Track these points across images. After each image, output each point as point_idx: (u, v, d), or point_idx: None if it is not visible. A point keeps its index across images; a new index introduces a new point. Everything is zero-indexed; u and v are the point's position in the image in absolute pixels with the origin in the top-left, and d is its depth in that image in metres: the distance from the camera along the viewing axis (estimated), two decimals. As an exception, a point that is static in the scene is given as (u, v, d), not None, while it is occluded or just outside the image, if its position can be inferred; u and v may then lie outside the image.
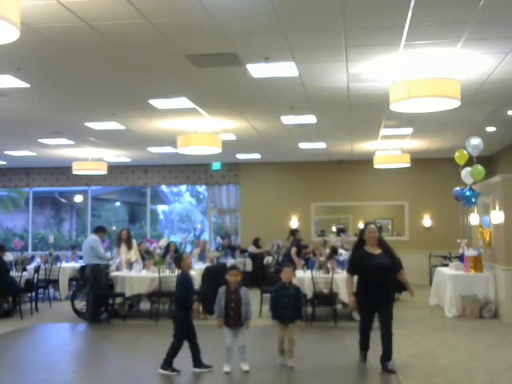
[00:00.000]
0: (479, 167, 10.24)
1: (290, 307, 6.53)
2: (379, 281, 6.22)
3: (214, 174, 16.68)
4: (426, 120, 10.17)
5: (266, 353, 7.29)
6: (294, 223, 16.09)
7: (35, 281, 10.83)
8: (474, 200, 10.39)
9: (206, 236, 19.94)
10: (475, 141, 10.27)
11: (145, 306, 10.54)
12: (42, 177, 17.30)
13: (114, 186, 17.94)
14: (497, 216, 9.84)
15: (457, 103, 6.03)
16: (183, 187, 24.68)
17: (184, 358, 6.30)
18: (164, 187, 22.84)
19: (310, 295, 9.38)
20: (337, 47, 6.38)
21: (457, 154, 10.92)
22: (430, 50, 6.44)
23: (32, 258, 13.22)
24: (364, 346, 6.70)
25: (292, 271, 6.88)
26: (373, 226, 6.38)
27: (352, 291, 6.44)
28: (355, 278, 6.62)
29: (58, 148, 13.26)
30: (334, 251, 11.32)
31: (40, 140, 12.17)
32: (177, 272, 9.73)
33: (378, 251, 6.34)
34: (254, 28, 5.79)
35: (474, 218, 11.23)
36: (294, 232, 13.56)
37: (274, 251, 14.14)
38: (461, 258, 11.07)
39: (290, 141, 12.67)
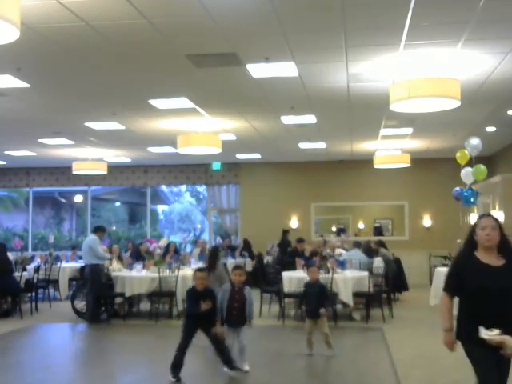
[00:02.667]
0: (481, 167, 10.22)
1: (316, 304, 7.03)
2: (501, 312, 3.55)
3: (214, 174, 16.68)
4: (426, 120, 10.17)
5: (266, 353, 7.30)
6: (294, 223, 16.10)
7: (35, 281, 10.82)
8: (472, 200, 10.39)
9: (205, 236, 19.94)
10: (474, 141, 10.27)
11: (145, 306, 10.53)
12: (42, 177, 17.30)
13: (114, 186, 17.94)
14: (497, 216, 9.84)
15: (457, 103, 6.02)
16: (183, 187, 24.68)
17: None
18: (164, 187, 22.84)
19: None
20: (337, 47, 6.38)
21: (458, 154, 10.91)
22: (430, 50, 6.43)
23: (32, 258, 13.23)
24: None
25: (317, 270, 7.52)
26: (491, 218, 3.85)
27: (451, 324, 3.78)
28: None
29: (58, 148, 13.26)
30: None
31: (40, 140, 12.16)
32: (176, 272, 9.79)
33: (499, 262, 3.70)
34: (254, 28, 5.79)
35: (473, 218, 11.23)
36: (285, 232, 13.77)
37: (273, 251, 14.13)
38: (461, 258, 11.05)
39: (289, 141, 12.67)
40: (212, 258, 8.50)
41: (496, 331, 3.26)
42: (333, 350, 7.02)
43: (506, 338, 3.16)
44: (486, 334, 3.26)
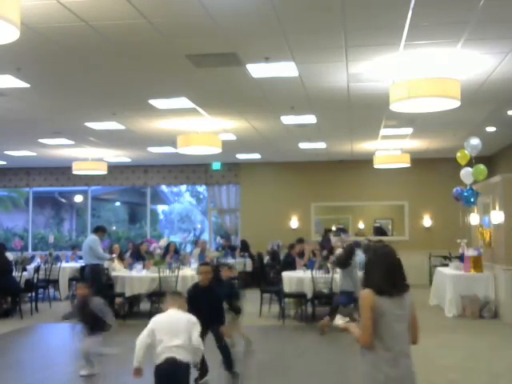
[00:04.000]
0: (481, 167, 10.22)
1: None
2: None
3: (214, 174, 16.68)
4: (426, 120, 10.17)
5: (266, 353, 7.29)
6: (294, 223, 16.09)
7: (35, 281, 10.83)
8: (472, 200, 10.39)
9: (206, 236, 19.94)
10: (474, 141, 10.28)
11: (145, 306, 10.53)
12: (42, 177, 17.30)
13: (114, 186, 17.94)
14: (497, 216, 9.84)
15: (457, 103, 6.02)
16: (183, 187, 24.67)
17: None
18: (164, 187, 22.83)
19: (309, 295, 9.37)
20: (337, 47, 6.38)
21: (458, 154, 10.91)
22: (430, 50, 6.43)
23: (32, 258, 13.23)
24: None
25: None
26: None
27: None
28: None
29: (58, 148, 13.26)
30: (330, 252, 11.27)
31: (40, 140, 12.16)
32: (176, 272, 9.79)
33: None
34: (254, 28, 5.79)
35: (473, 218, 11.23)
36: (326, 231, 13.82)
37: (270, 252, 13.97)
38: (461, 258, 11.07)
39: (290, 141, 12.67)
40: (347, 255, 8.65)
41: (346, 319, 3.58)
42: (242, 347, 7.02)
43: (351, 325, 3.48)
44: (337, 320, 3.58)
